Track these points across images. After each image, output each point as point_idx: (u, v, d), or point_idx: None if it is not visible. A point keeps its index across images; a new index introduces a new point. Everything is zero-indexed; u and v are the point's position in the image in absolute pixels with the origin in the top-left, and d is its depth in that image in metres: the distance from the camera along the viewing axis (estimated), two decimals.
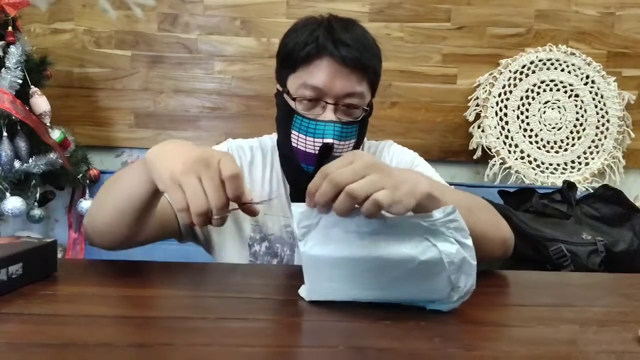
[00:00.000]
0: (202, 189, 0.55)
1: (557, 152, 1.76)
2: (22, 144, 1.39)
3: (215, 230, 0.91)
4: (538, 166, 1.76)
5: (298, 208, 0.58)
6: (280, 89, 0.89)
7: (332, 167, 0.56)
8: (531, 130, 1.75)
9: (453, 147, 1.79)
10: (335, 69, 0.82)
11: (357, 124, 0.86)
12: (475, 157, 1.74)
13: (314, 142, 0.83)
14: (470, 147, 1.75)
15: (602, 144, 1.76)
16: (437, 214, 0.55)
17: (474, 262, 0.56)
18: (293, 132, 0.85)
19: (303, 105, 0.84)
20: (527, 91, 1.73)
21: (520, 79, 1.73)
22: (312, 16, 0.89)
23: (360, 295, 0.59)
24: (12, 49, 1.35)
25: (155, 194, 0.68)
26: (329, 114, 0.83)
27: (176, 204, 0.56)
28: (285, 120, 0.86)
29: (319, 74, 0.82)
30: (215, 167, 0.56)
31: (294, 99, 0.84)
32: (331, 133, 0.82)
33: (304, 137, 0.83)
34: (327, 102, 0.83)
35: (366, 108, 0.87)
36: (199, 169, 0.55)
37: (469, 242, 0.56)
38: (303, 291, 0.62)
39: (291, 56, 0.84)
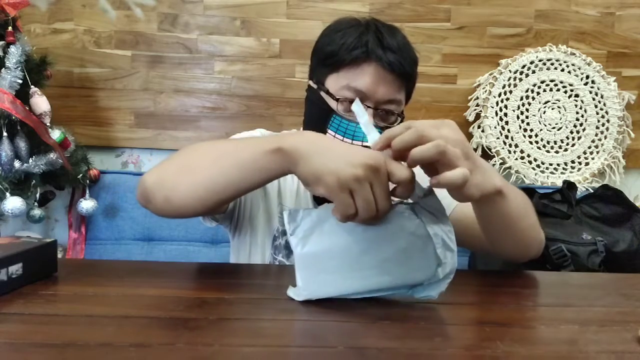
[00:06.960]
0: (374, 197, 0.54)
1: (557, 152, 1.76)
2: (22, 144, 1.38)
3: (250, 217, 0.91)
4: (538, 166, 1.76)
5: (285, 211, 0.61)
6: (315, 86, 0.89)
7: (419, 122, 0.56)
8: (531, 130, 1.75)
9: None
10: (380, 75, 0.82)
11: None
12: None
13: (351, 144, 0.82)
14: None
15: (602, 144, 1.75)
16: (418, 191, 0.57)
17: (453, 237, 0.57)
18: (329, 131, 0.84)
19: (344, 106, 0.83)
20: (527, 91, 1.73)
21: (520, 79, 1.72)
22: (354, 17, 0.89)
23: (352, 286, 0.60)
24: (12, 49, 1.35)
25: (267, 182, 0.65)
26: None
27: (345, 210, 0.55)
28: (320, 118, 0.85)
29: (365, 78, 0.82)
30: (385, 172, 0.55)
31: (336, 100, 0.84)
32: None
33: (341, 137, 0.83)
34: (367, 106, 0.83)
35: (401, 115, 0.87)
36: (370, 176, 0.54)
37: (447, 220, 0.58)
38: (292, 292, 0.62)
39: (336, 57, 0.84)
